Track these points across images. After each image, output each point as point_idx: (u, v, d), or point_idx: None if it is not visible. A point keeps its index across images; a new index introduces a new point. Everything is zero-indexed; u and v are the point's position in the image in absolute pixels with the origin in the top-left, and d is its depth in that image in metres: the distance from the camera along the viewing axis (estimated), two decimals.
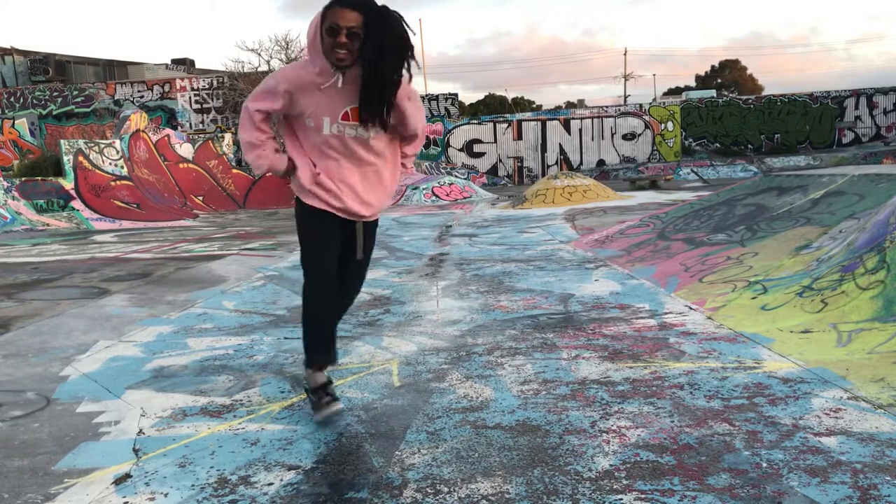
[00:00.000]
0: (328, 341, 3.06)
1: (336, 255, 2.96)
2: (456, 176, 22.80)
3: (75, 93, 28.76)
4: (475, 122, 28.72)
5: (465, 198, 19.35)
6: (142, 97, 28.67)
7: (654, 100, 39.84)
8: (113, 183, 16.44)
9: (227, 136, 22.05)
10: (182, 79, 29.61)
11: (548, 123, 28.11)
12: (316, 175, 2.85)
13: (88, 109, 28.54)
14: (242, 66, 27.88)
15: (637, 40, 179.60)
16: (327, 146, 2.85)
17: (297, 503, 2.29)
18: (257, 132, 2.88)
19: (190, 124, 28.21)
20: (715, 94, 33.55)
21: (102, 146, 16.85)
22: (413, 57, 2.74)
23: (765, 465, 2.38)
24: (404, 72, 2.72)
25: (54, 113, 28.56)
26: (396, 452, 2.63)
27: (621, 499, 2.20)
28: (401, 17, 2.70)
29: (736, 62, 59.97)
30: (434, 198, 18.69)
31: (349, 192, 2.88)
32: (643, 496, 2.20)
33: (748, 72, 59.21)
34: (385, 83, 2.69)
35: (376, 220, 3.08)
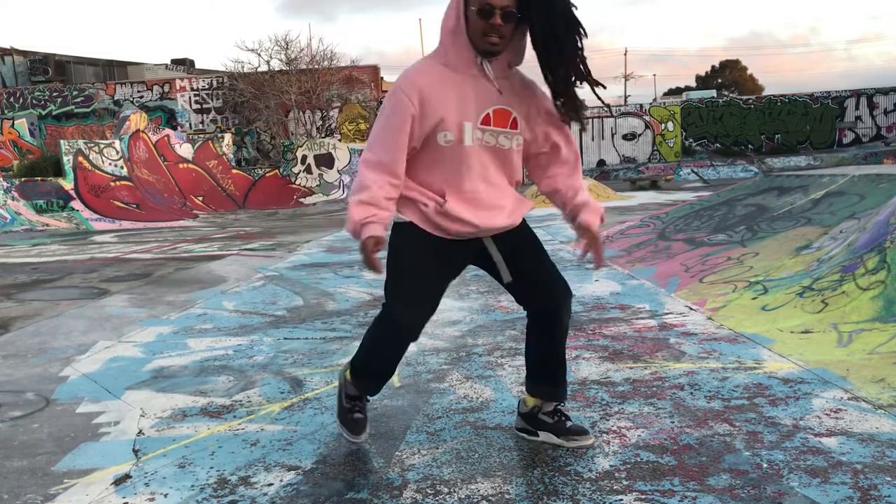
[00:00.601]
0: (388, 375, 2.69)
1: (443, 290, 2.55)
2: None
3: (75, 93, 28.73)
4: None
5: None
6: (141, 97, 28.64)
7: (655, 100, 39.81)
8: (113, 183, 16.44)
9: (227, 137, 22.06)
10: (182, 79, 29.57)
11: None
12: (441, 205, 2.37)
13: (88, 110, 28.51)
14: (242, 67, 27.86)
15: (637, 40, 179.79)
16: (456, 162, 2.34)
17: (296, 503, 2.29)
18: (390, 187, 2.33)
19: (190, 124, 28.18)
20: (715, 95, 33.55)
21: (102, 146, 16.86)
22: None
23: (765, 465, 2.37)
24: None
25: (54, 113, 28.53)
26: (396, 453, 2.62)
27: (621, 499, 2.19)
28: None
29: (736, 62, 60.06)
30: None
31: (482, 207, 2.40)
32: (643, 497, 2.20)
33: (748, 72, 59.31)
34: (570, 62, 2.21)
35: (521, 223, 2.55)
